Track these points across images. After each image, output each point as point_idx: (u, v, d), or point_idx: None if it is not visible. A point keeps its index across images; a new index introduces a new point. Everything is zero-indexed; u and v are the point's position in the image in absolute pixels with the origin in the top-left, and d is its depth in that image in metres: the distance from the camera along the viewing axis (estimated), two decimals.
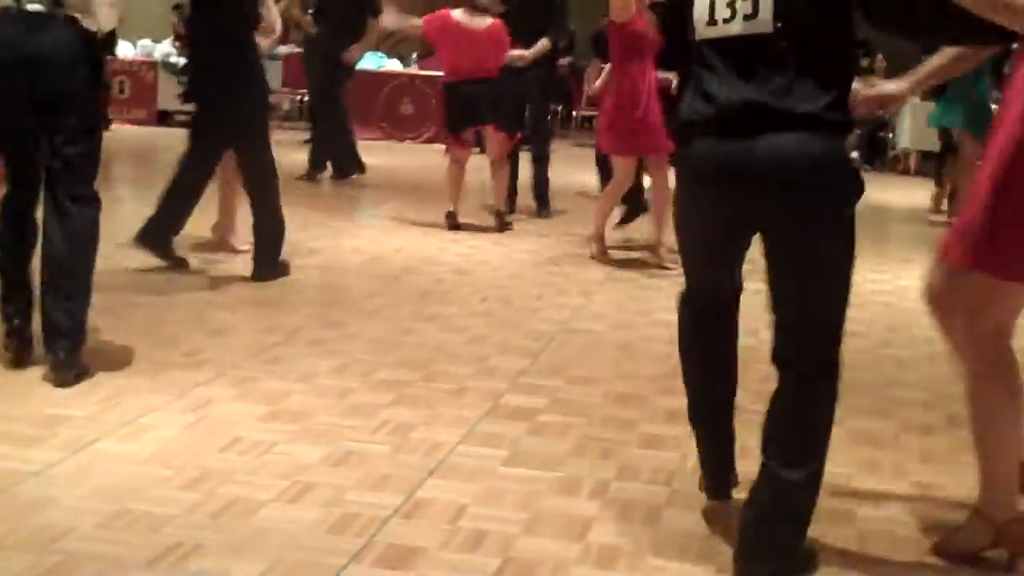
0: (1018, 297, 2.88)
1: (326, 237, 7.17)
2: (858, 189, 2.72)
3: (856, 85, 2.92)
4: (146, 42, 14.78)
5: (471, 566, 2.80)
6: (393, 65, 15.03)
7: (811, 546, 2.90)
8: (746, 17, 2.68)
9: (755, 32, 2.66)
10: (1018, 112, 2.78)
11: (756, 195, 2.70)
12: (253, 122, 5.78)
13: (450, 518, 3.06)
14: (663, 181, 6.67)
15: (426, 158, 11.60)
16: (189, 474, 3.27)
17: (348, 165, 10.12)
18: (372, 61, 13.79)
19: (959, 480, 3.49)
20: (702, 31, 2.78)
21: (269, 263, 5.84)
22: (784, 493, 2.77)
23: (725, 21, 2.71)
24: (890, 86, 3.28)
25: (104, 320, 4.61)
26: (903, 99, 3.32)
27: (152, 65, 14.17)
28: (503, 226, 7.81)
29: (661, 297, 5.96)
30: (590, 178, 9.42)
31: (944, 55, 3.14)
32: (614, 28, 6.60)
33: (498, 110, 7.58)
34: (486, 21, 7.54)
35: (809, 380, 2.79)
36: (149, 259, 5.88)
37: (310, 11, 10.31)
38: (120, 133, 12.13)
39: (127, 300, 5.21)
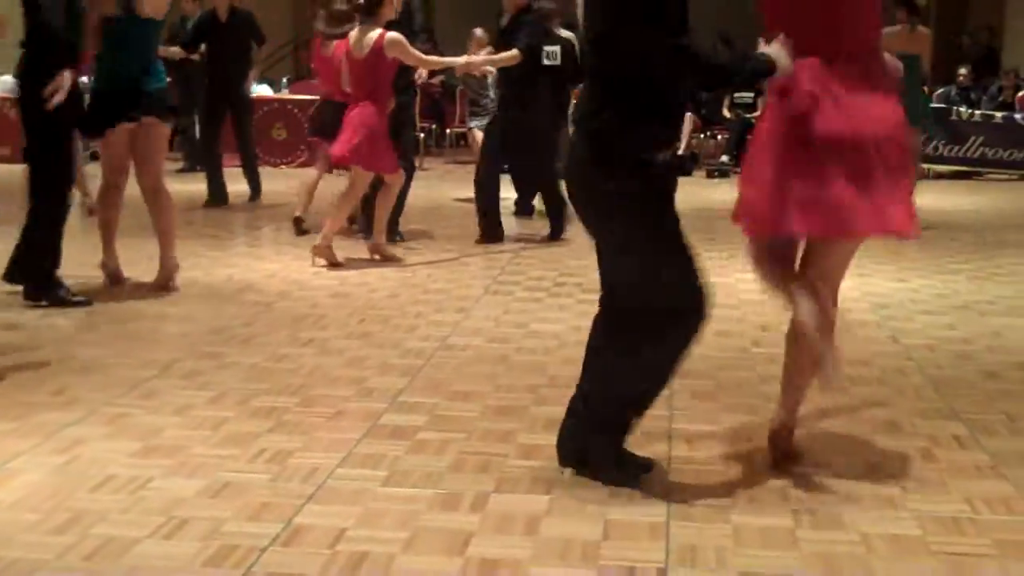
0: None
1: (200, 267, 7.07)
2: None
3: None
4: (7, 78, 14.39)
5: None
6: (263, 90, 14.88)
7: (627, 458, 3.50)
8: None
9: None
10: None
11: None
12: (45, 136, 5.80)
13: (329, 542, 3.05)
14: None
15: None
16: (60, 517, 3.20)
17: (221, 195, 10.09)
18: None
19: (833, 471, 3.60)
20: None
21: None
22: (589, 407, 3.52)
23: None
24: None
25: None
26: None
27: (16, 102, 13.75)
28: (299, 232, 8.24)
29: (538, 309, 6.02)
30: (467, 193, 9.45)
31: None
32: None
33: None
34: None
35: (616, 325, 3.46)
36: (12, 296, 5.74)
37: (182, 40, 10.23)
38: None
39: None
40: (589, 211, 3.44)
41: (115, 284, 6.41)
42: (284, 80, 15.79)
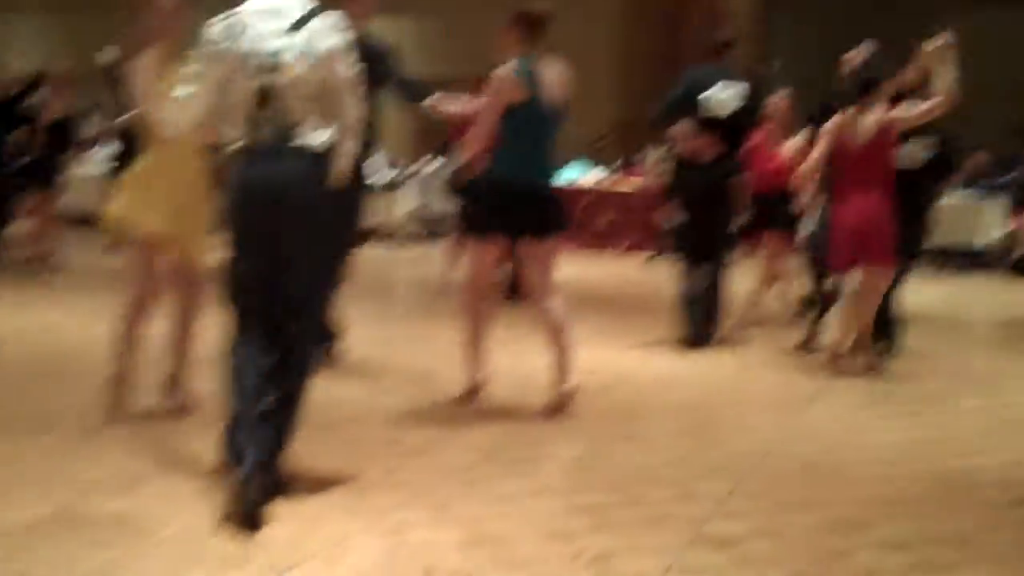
0: None
1: (515, 355, 7.10)
2: None
3: None
4: None
5: None
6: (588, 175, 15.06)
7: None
8: None
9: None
10: None
11: None
12: None
13: None
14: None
15: (630, 269, 11.54)
16: None
17: None
18: None
19: None
20: None
21: None
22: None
23: None
24: None
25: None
26: None
27: None
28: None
29: (875, 416, 5.67)
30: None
31: None
32: None
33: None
34: None
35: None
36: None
37: None
38: None
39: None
40: None
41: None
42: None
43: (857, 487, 4.46)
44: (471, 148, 5.53)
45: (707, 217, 7.31)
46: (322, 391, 5.43)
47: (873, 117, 6.42)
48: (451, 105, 6.12)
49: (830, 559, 3.65)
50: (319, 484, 4.24)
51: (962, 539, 3.87)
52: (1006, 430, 5.48)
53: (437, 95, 6.10)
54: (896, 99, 6.61)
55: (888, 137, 6.43)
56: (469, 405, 5.56)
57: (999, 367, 7.29)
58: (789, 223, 7.94)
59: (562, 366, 5.50)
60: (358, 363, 6.42)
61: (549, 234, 5.43)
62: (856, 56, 6.82)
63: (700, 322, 7.35)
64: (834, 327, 6.82)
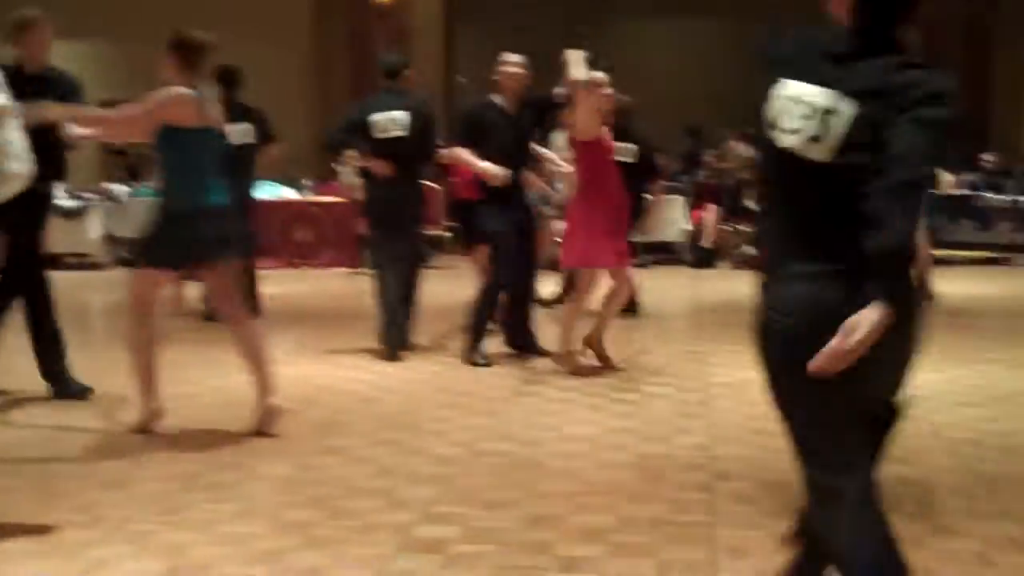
0: None
1: (220, 376, 6.95)
2: None
3: None
4: None
5: None
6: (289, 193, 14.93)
7: None
8: None
9: None
10: None
11: None
12: None
13: None
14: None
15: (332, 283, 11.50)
16: None
17: None
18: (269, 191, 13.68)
19: None
20: None
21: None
22: None
23: None
24: None
25: None
26: None
27: None
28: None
29: (572, 409, 5.89)
30: None
31: None
32: None
33: None
34: None
35: None
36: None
37: None
38: None
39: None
40: None
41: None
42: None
43: (556, 481, 4.62)
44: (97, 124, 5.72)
45: (396, 230, 7.45)
46: (4, 427, 5.13)
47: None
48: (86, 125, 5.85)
49: (534, 552, 3.76)
50: (6, 528, 4.01)
51: (653, 522, 4.07)
52: (692, 414, 5.80)
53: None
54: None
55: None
56: (151, 432, 5.38)
57: (693, 352, 7.65)
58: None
59: (262, 384, 5.43)
60: (43, 394, 6.11)
61: (224, 258, 5.37)
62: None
63: (398, 332, 7.43)
64: (561, 324, 7.01)
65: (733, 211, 13.51)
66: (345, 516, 4.17)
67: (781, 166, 2.59)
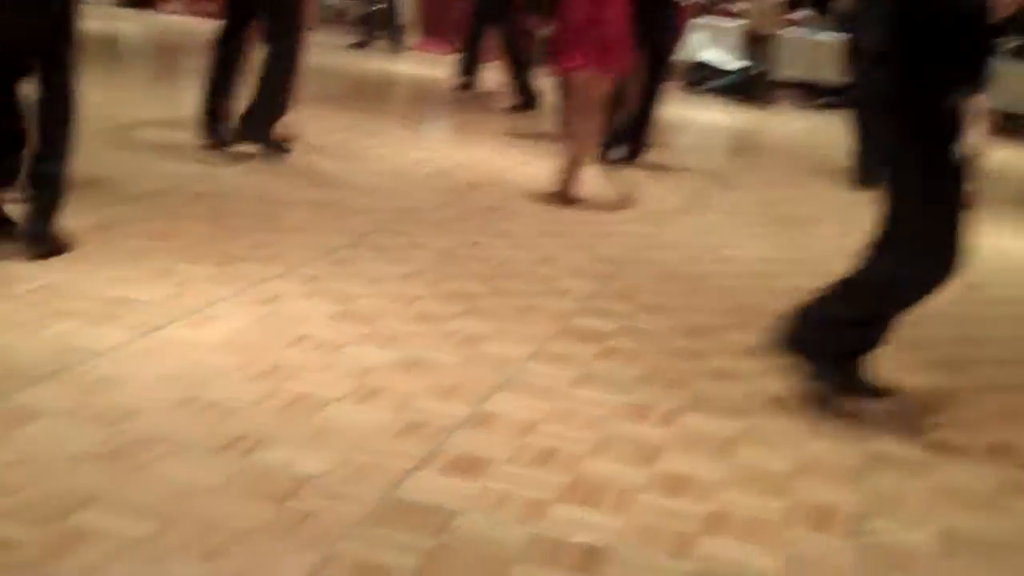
0: None
1: (389, 144, 7.03)
2: None
3: None
4: None
5: (538, 481, 2.75)
6: None
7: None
8: None
9: None
10: None
11: None
12: None
13: (519, 432, 3.01)
14: None
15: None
16: (257, 367, 3.24)
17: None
18: None
19: None
20: None
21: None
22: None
23: None
24: None
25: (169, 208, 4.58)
26: None
27: None
28: None
29: (737, 229, 5.84)
30: None
31: None
32: None
33: None
34: None
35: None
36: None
37: None
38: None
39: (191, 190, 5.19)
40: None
41: None
42: None
43: (714, 297, 4.62)
44: None
45: None
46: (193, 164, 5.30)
47: None
48: None
49: (687, 358, 3.81)
50: (188, 255, 4.22)
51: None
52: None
53: None
54: None
55: None
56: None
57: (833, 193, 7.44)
58: None
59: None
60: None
61: None
62: None
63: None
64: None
65: None
66: (507, 295, 4.26)
67: None
